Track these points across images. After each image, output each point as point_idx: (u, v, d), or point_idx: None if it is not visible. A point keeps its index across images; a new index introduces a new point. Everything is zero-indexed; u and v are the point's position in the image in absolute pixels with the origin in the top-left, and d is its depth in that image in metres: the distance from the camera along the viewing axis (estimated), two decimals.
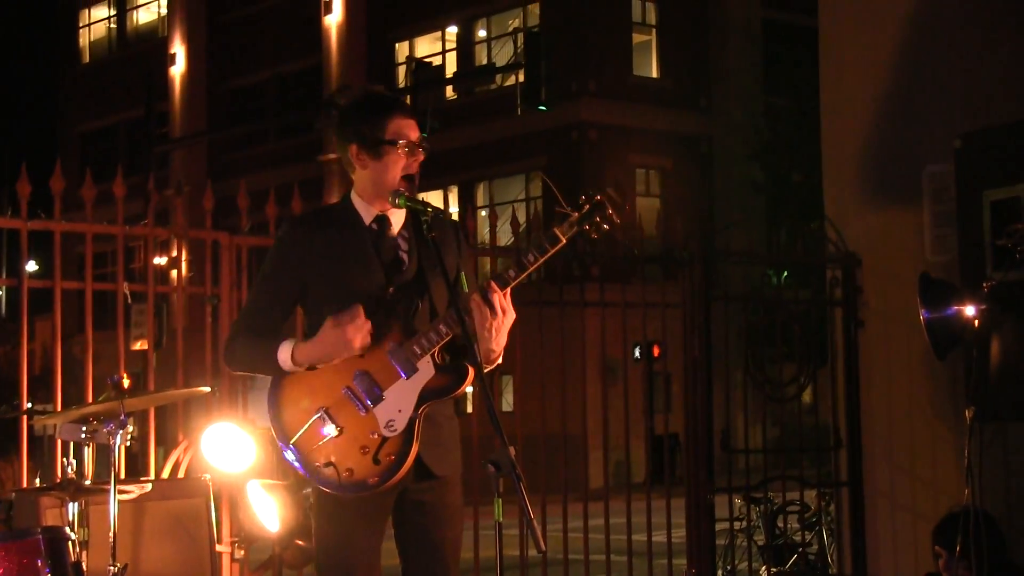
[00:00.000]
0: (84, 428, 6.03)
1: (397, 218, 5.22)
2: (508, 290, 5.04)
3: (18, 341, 7.85)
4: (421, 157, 5.18)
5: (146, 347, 7.92)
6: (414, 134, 5.16)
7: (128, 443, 5.89)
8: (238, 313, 5.42)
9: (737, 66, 38.54)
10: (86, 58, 51.35)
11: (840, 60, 10.57)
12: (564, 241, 5.05)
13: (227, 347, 5.23)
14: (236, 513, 7.69)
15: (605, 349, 9.69)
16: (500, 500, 4.71)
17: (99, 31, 51.15)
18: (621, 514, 9.66)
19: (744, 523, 12.04)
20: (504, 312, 5.01)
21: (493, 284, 5.01)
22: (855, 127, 10.40)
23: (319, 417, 4.98)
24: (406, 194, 5.11)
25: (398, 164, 5.12)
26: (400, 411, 5.00)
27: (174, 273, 8.25)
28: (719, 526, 10.26)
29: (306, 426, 4.99)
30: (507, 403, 26.51)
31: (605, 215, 5.05)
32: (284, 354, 5.00)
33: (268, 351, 5.04)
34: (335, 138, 5.25)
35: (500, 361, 5.17)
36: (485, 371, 5.08)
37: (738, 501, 11.62)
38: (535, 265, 5.05)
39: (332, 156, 38.84)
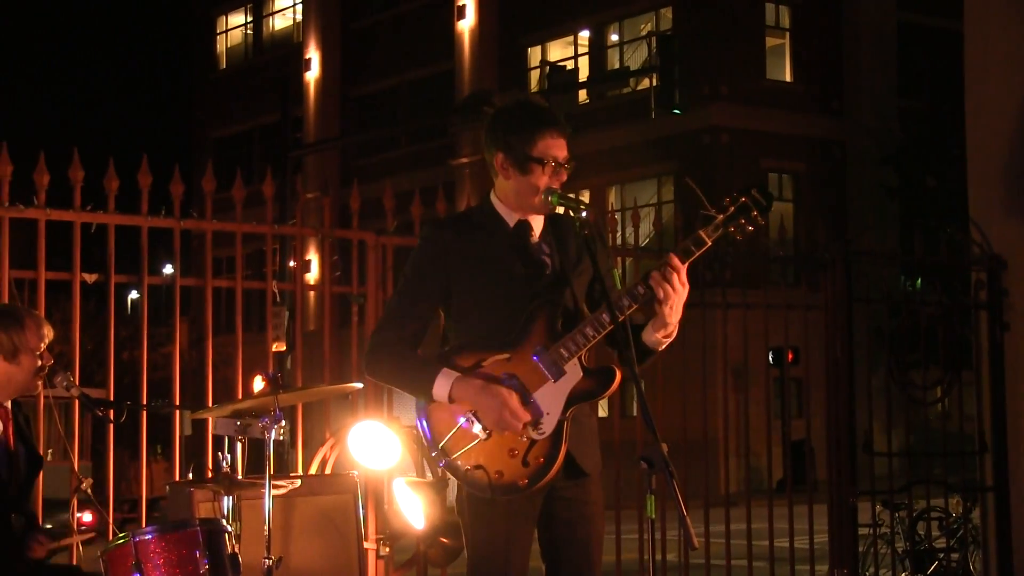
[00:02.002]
0: (238, 423, 6.11)
1: (537, 223, 5.23)
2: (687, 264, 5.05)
3: (164, 342, 7.97)
4: (564, 177, 5.19)
5: (281, 349, 7.98)
6: (562, 154, 5.15)
7: (281, 437, 5.94)
8: (381, 317, 5.41)
9: (871, 69, 38.09)
10: (223, 64, 52.04)
11: (985, 62, 10.44)
12: (710, 243, 5.05)
13: (371, 356, 5.21)
14: (381, 510, 7.74)
15: (746, 353, 9.63)
16: (653, 497, 4.72)
17: (235, 37, 51.81)
18: (759, 519, 9.58)
19: (883, 528, 11.91)
20: (684, 285, 5.03)
21: (676, 258, 5.01)
22: (1000, 129, 10.26)
23: (467, 420, 4.99)
24: (559, 191, 5.13)
25: (541, 181, 5.12)
26: (548, 414, 5.01)
27: (307, 275, 8.32)
28: (859, 532, 10.14)
29: (454, 430, 5.00)
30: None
31: (750, 217, 5.06)
32: (441, 390, 5.00)
33: (422, 380, 5.04)
34: (483, 139, 5.25)
35: (674, 337, 5.17)
36: (662, 348, 5.14)
37: (877, 507, 11.49)
38: (691, 260, 5.05)
39: (464, 160, 39.06)
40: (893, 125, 35.77)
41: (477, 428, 4.98)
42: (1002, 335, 10.13)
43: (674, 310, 5.05)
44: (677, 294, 5.02)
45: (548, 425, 5.01)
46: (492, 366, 5.03)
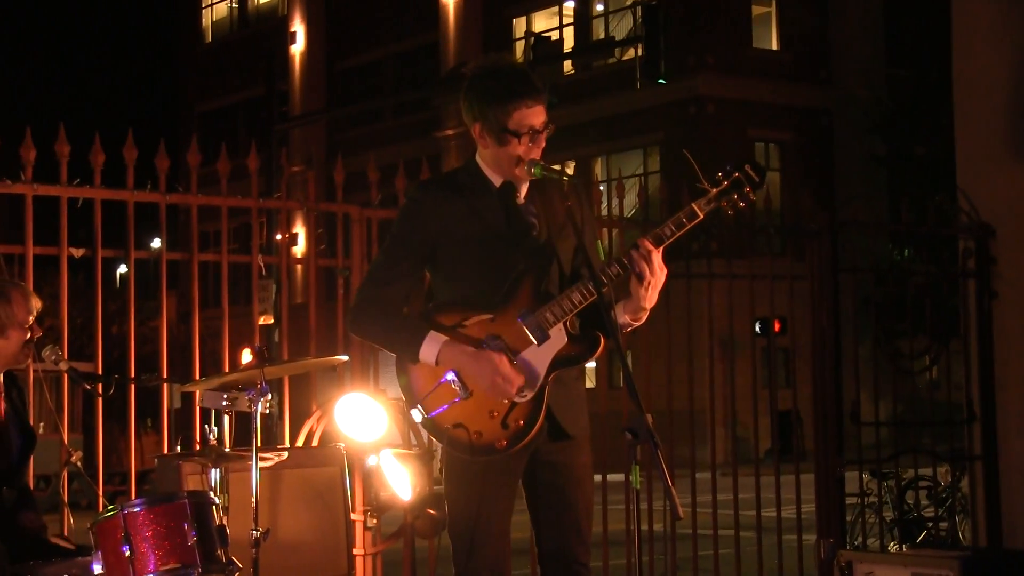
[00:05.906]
0: (225, 396, 6.11)
1: (523, 185, 5.22)
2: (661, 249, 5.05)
3: (152, 315, 7.94)
4: (543, 143, 5.17)
5: (268, 322, 7.96)
6: (538, 120, 5.13)
7: (268, 410, 5.95)
8: (367, 274, 5.39)
9: (858, 37, 38.09)
10: (208, 38, 51.91)
11: (973, 28, 10.40)
12: (702, 216, 5.05)
13: (356, 313, 5.21)
14: (368, 482, 7.75)
15: (732, 323, 9.61)
16: (637, 467, 4.72)
17: (221, 11, 51.69)
18: (746, 489, 9.58)
19: (871, 498, 11.94)
20: (661, 269, 5.03)
21: (647, 242, 5.01)
22: (988, 96, 10.23)
23: (449, 380, 5.00)
24: (541, 163, 5.12)
25: (518, 151, 5.11)
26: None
27: (294, 248, 8.29)
28: (846, 502, 10.15)
29: (435, 388, 5.01)
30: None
31: (742, 192, 5.07)
32: (429, 353, 5.00)
33: (409, 340, 5.03)
34: (461, 105, 5.25)
35: (644, 319, 5.17)
36: (630, 329, 5.13)
37: (865, 476, 11.51)
38: (672, 239, 5.05)
39: (449, 132, 39.00)
40: (881, 93, 35.76)
41: (459, 389, 4.98)
42: (990, 303, 10.13)
43: (649, 293, 5.06)
44: (655, 276, 5.03)
45: (529, 389, 5.01)
46: (475, 326, 5.03)
